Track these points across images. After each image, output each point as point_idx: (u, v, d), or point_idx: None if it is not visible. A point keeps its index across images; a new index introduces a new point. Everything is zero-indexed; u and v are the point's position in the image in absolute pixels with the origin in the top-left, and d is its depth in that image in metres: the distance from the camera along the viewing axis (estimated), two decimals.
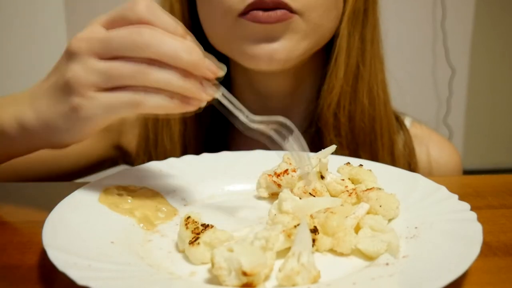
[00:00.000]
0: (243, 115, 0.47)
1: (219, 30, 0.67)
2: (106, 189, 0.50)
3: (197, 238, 0.40)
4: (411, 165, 0.76)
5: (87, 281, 0.32)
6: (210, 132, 0.78)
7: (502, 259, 0.42)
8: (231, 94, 0.47)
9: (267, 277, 0.37)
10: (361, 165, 0.53)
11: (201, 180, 0.56)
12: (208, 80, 0.45)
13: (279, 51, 0.64)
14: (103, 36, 0.44)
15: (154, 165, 0.58)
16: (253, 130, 0.47)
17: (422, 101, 2.18)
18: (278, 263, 0.38)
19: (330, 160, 0.51)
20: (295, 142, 0.47)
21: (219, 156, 0.61)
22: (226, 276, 0.36)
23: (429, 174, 0.79)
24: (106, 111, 0.44)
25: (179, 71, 0.43)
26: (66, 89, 0.45)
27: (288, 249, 0.39)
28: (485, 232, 0.40)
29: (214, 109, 0.48)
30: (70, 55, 0.45)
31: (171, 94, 0.44)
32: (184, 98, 0.44)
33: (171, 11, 0.72)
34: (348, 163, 0.53)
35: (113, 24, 0.45)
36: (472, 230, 0.40)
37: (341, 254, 0.42)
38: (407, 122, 0.81)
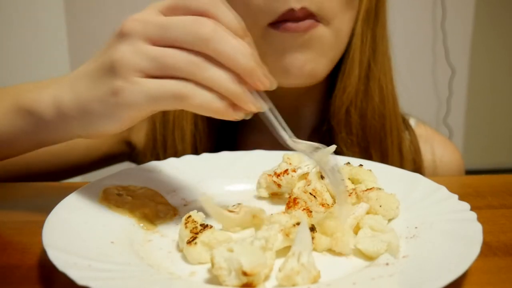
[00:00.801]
0: (286, 135, 0.45)
1: None
2: (106, 189, 0.50)
3: (195, 238, 0.40)
4: (416, 163, 0.77)
5: (87, 281, 0.32)
6: (221, 132, 0.78)
7: (502, 259, 0.42)
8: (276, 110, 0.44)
9: (267, 277, 0.37)
10: (361, 165, 0.53)
11: (201, 180, 0.56)
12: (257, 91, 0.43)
13: (308, 62, 0.65)
14: (161, 21, 0.41)
15: (154, 165, 0.58)
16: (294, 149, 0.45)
17: (422, 101, 2.18)
18: (278, 263, 0.38)
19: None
20: (332, 166, 0.45)
21: (219, 156, 0.61)
22: (226, 276, 0.36)
23: (434, 172, 0.80)
24: (149, 99, 0.41)
25: (232, 74, 0.41)
26: (111, 71, 0.42)
27: (288, 248, 0.39)
28: (485, 232, 0.40)
29: None
30: (121, 36, 0.42)
31: (221, 96, 0.41)
32: (231, 103, 0.41)
33: None
34: (348, 163, 0.53)
35: (173, 11, 0.42)
36: (472, 230, 0.40)
37: (341, 254, 0.42)
38: (412, 122, 0.82)
